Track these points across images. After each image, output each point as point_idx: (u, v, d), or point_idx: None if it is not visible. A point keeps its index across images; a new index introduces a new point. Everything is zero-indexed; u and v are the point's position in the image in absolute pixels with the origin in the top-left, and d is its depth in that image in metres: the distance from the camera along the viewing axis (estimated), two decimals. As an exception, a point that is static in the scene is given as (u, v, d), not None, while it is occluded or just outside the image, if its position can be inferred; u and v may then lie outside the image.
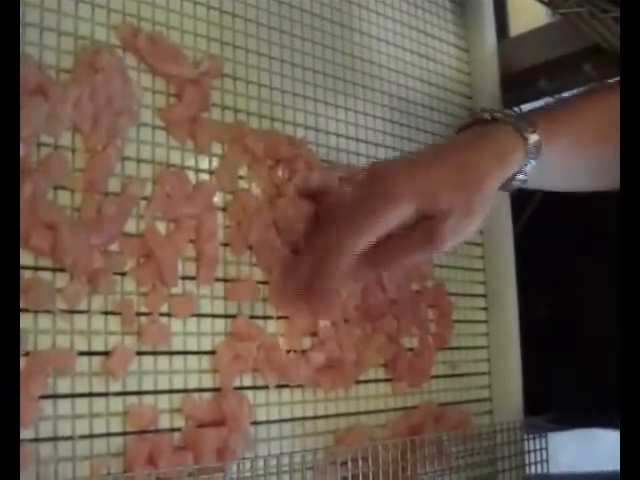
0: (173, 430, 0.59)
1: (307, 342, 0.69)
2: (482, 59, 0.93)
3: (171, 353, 0.60)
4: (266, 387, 0.66)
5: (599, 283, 0.93)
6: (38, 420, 0.52)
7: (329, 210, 0.68)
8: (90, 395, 0.55)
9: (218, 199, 0.64)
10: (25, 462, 0.50)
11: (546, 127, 0.68)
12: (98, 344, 0.56)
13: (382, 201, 0.62)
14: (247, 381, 0.65)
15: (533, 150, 0.66)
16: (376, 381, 0.75)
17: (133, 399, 0.58)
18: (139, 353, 0.58)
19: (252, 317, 0.66)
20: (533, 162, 0.67)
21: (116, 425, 0.56)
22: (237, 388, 0.64)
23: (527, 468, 0.82)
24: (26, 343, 0.52)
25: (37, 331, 0.53)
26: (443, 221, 0.63)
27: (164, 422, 0.59)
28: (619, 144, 0.64)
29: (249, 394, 0.64)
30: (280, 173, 0.69)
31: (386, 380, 0.76)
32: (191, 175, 0.64)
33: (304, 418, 0.69)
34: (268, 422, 0.66)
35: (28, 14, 0.55)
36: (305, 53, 0.75)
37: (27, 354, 0.52)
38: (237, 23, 0.70)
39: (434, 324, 0.82)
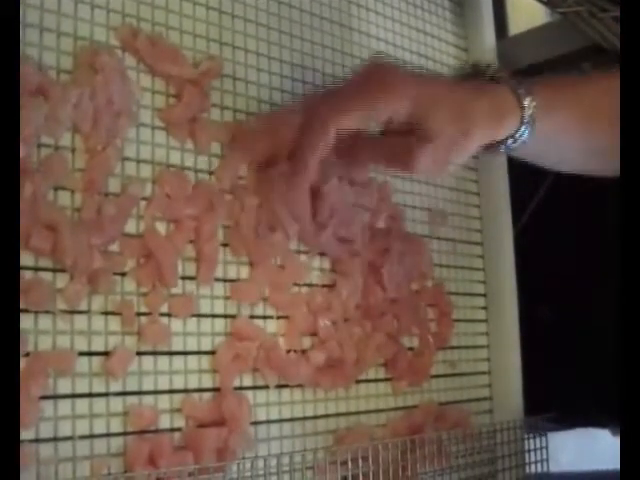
0: (173, 430, 0.59)
1: (307, 342, 0.69)
2: (481, 58, 0.93)
3: (171, 353, 0.60)
4: (266, 387, 0.66)
5: (599, 282, 0.93)
6: (38, 421, 0.52)
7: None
8: (90, 395, 0.55)
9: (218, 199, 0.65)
10: (25, 462, 0.50)
11: (544, 98, 0.68)
12: (98, 344, 0.56)
13: (380, 88, 0.62)
14: (247, 381, 0.65)
15: (528, 119, 0.66)
16: (376, 380, 0.76)
17: (133, 399, 0.58)
18: (139, 353, 0.58)
19: (252, 317, 0.66)
20: (526, 130, 0.67)
21: (116, 425, 0.57)
22: (237, 388, 0.64)
23: (527, 467, 0.82)
24: (26, 344, 0.52)
25: (37, 331, 0.53)
26: (424, 142, 0.62)
27: (164, 422, 0.59)
28: (615, 128, 0.65)
29: (249, 394, 0.64)
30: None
31: (386, 379, 0.77)
32: (191, 175, 0.64)
33: (304, 418, 0.69)
34: (268, 422, 0.66)
35: (28, 15, 0.55)
36: (304, 53, 0.75)
37: (27, 355, 0.52)
38: (236, 23, 0.70)
39: (434, 323, 0.82)
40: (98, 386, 0.56)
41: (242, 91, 0.69)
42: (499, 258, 0.90)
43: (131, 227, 0.59)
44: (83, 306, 0.56)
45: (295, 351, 0.68)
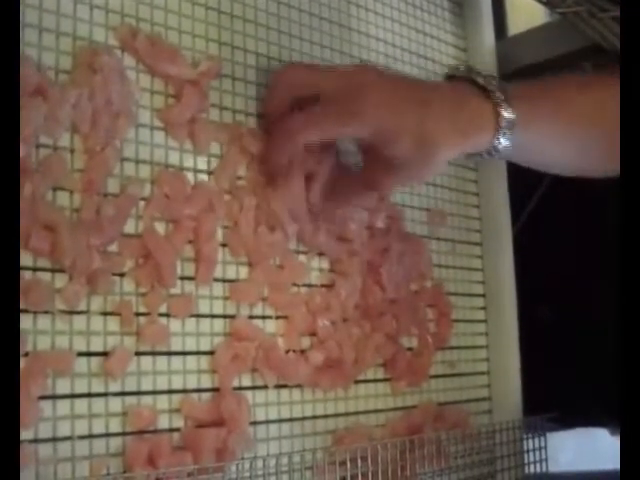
0: (172, 430, 0.59)
1: (306, 342, 0.69)
2: (480, 59, 0.93)
3: (170, 353, 0.60)
4: (265, 387, 0.66)
5: (598, 282, 0.93)
6: (37, 421, 0.52)
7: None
8: (89, 395, 0.55)
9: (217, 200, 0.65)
10: (25, 463, 0.50)
11: (525, 108, 0.68)
12: (97, 345, 0.56)
13: (349, 109, 0.63)
14: (246, 381, 0.65)
15: (505, 130, 0.67)
16: (375, 381, 0.76)
17: (132, 399, 0.58)
18: (138, 353, 0.58)
19: (251, 317, 0.66)
20: (505, 140, 0.68)
21: (115, 425, 0.56)
22: (236, 388, 0.64)
23: (526, 467, 0.82)
24: (25, 344, 0.52)
25: (36, 332, 0.53)
26: (389, 167, 0.65)
27: (163, 422, 0.59)
28: (601, 131, 0.66)
29: (248, 394, 0.64)
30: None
31: (385, 380, 0.77)
32: (190, 176, 0.64)
33: (303, 418, 0.69)
34: (267, 422, 0.66)
35: (27, 15, 0.55)
36: (303, 53, 0.75)
37: (26, 355, 0.52)
38: (235, 23, 0.70)
39: (433, 324, 0.83)
40: (97, 386, 0.56)
41: (241, 91, 0.69)
42: (498, 258, 0.90)
43: (130, 227, 0.59)
44: (82, 306, 0.56)
45: (294, 351, 0.68)
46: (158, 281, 0.60)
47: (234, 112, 0.68)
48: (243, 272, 0.66)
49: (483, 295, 0.90)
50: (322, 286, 0.72)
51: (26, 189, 0.52)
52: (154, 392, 0.59)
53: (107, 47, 0.60)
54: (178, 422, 0.60)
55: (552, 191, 0.98)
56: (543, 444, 0.83)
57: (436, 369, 0.82)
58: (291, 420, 0.68)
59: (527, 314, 0.90)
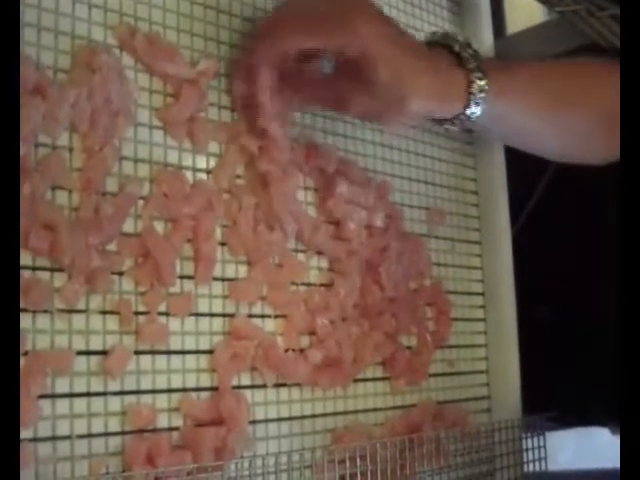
0: (171, 429, 0.60)
1: (305, 341, 0.69)
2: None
3: (169, 352, 0.60)
4: (264, 386, 0.66)
5: (598, 281, 0.93)
6: (37, 420, 0.52)
7: None
8: (88, 395, 0.56)
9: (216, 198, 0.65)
10: (24, 462, 0.50)
11: (499, 80, 0.69)
12: (96, 344, 0.56)
13: (342, 20, 0.63)
14: (245, 380, 0.65)
15: (478, 100, 0.68)
16: (374, 379, 0.76)
17: (131, 398, 0.58)
18: (137, 352, 0.58)
19: (250, 316, 0.66)
20: (476, 108, 0.68)
21: (114, 424, 0.57)
22: (235, 387, 0.64)
23: (525, 466, 0.82)
24: (25, 343, 0.52)
25: (35, 331, 0.53)
26: (362, 91, 0.65)
27: (162, 421, 0.59)
28: (580, 113, 0.66)
29: (247, 393, 0.64)
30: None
31: (384, 378, 0.77)
32: (188, 175, 0.64)
33: (302, 417, 0.69)
34: (266, 421, 0.66)
35: (26, 14, 0.55)
36: (302, 52, 0.75)
37: (26, 354, 0.52)
38: (234, 22, 0.70)
39: (432, 322, 0.83)
40: (96, 385, 0.56)
41: (240, 90, 0.69)
42: (497, 257, 0.90)
43: (129, 226, 0.59)
44: (81, 305, 0.56)
45: (293, 350, 0.68)
46: (157, 280, 0.60)
47: (233, 111, 0.68)
48: (242, 271, 0.66)
49: (482, 294, 0.90)
50: (321, 285, 0.72)
51: (25, 188, 0.52)
52: (153, 391, 0.59)
53: (106, 46, 0.60)
54: (177, 421, 0.60)
55: (551, 190, 0.98)
56: (542, 443, 0.83)
57: (435, 368, 0.82)
58: (290, 419, 0.68)
59: (526, 313, 0.90)
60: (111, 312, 0.57)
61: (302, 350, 0.69)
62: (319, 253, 0.72)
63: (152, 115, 0.62)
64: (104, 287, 0.57)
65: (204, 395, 0.62)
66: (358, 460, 0.66)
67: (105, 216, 0.57)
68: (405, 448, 0.70)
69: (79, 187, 0.57)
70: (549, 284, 0.96)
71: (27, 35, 0.55)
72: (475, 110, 0.68)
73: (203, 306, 0.63)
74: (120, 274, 0.58)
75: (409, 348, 0.79)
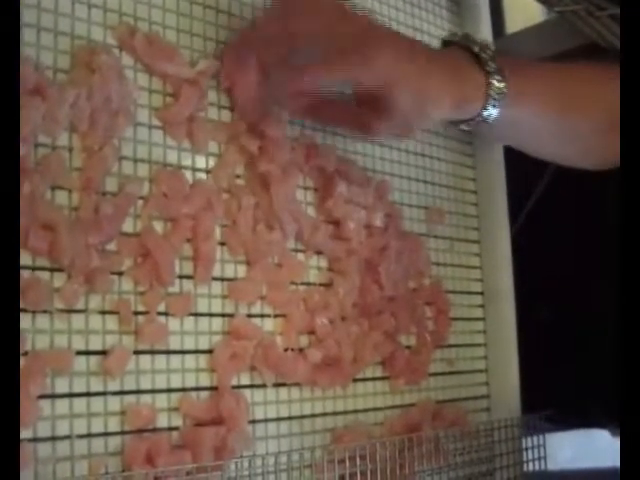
0: (171, 429, 0.60)
1: (304, 340, 0.69)
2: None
3: (169, 352, 0.60)
4: (264, 385, 0.66)
5: (597, 281, 0.93)
6: (36, 420, 0.52)
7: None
8: (88, 394, 0.56)
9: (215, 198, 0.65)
10: (24, 462, 0.50)
11: (517, 82, 0.69)
12: (96, 343, 0.56)
13: (357, 57, 0.63)
14: (245, 380, 0.65)
15: (494, 103, 0.68)
16: (374, 379, 0.76)
17: (131, 398, 0.58)
18: (137, 352, 0.59)
19: (249, 316, 0.66)
20: (494, 110, 0.69)
21: (114, 424, 0.57)
22: (235, 387, 0.64)
23: (525, 465, 0.82)
24: (24, 343, 0.52)
25: (35, 331, 0.53)
26: (383, 114, 0.66)
27: (162, 421, 0.59)
28: (592, 118, 0.66)
29: (247, 393, 0.64)
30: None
31: (383, 378, 0.77)
32: (188, 174, 0.64)
33: (302, 416, 0.69)
34: (266, 420, 0.66)
35: (25, 14, 0.55)
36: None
37: (25, 354, 0.52)
38: (233, 22, 0.70)
39: (431, 322, 0.83)
40: (96, 385, 0.56)
41: (239, 90, 0.69)
42: (496, 256, 0.90)
43: (128, 226, 0.59)
44: (80, 305, 0.56)
45: (292, 350, 0.68)
46: (157, 280, 0.60)
47: (232, 111, 0.68)
48: (241, 271, 0.66)
49: (481, 293, 0.90)
50: (320, 285, 0.72)
51: (25, 188, 0.52)
52: (153, 391, 0.59)
53: (105, 46, 0.60)
54: (177, 421, 0.60)
55: (551, 190, 0.98)
56: (542, 442, 0.83)
57: (434, 367, 0.82)
58: (290, 418, 0.68)
59: (525, 312, 0.90)
60: (110, 312, 0.57)
61: (301, 350, 0.69)
62: (318, 253, 0.72)
63: (152, 115, 0.62)
64: (103, 287, 0.57)
65: (203, 395, 0.62)
66: (358, 460, 0.66)
67: (104, 216, 0.57)
68: (404, 447, 0.70)
69: (79, 187, 0.57)
70: (548, 283, 0.96)
71: (27, 35, 0.55)
72: (492, 112, 0.69)
73: (202, 306, 0.63)
74: (119, 274, 0.58)
75: (408, 347, 0.79)
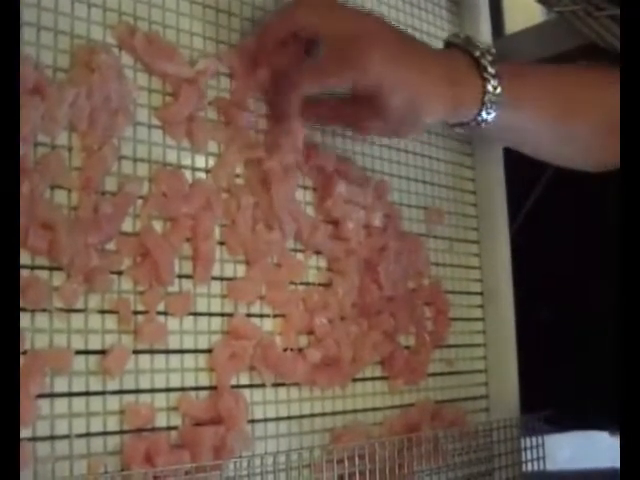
0: (170, 428, 0.60)
1: (303, 340, 0.69)
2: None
3: (168, 352, 0.60)
4: (263, 385, 0.66)
5: (597, 281, 0.93)
6: (35, 419, 0.52)
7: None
8: (87, 394, 0.56)
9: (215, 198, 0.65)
10: (23, 461, 0.50)
11: (514, 85, 0.70)
12: (95, 343, 0.56)
13: (351, 65, 0.64)
14: (244, 379, 0.65)
15: (490, 105, 0.69)
16: (373, 379, 0.76)
17: (130, 398, 0.58)
18: (136, 352, 0.59)
19: (248, 315, 0.66)
20: (489, 115, 0.69)
21: (113, 424, 0.57)
22: (234, 386, 0.64)
23: (523, 465, 0.82)
24: (23, 342, 0.52)
25: (34, 330, 0.53)
26: (377, 114, 0.67)
27: (161, 420, 0.59)
28: (591, 121, 0.66)
29: (246, 392, 0.64)
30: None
31: (383, 378, 0.77)
32: (187, 174, 0.64)
33: (301, 416, 0.69)
34: (265, 420, 0.66)
35: (25, 13, 0.55)
36: (301, 52, 0.75)
37: (24, 353, 0.52)
38: (233, 22, 0.70)
39: (431, 322, 0.83)
40: (95, 384, 0.56)
41: (239, 90, 0.69)
42: (495, 256, 0.90)
43: (128, 226, 0.59)
44: (80, 304, 0.56)
45: (292, 349, 0.68)
46: (156, 279, 0.60)
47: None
48: (241, 270, 0.66)
49: (480, 293, 0.90)
50: (320, 284, 0.72)
51: (24, 187, 0.52)
52: (152, 390, 0.59)
53: (105, 45, 0.60)
54: (176, 420, 0.60)
55: (550, 190, 0.98)
56: (540, 442, 0.83)
57: (434, 367, 0.82)
58: (289, 418, 0.68)
59: (525, 312, 0.90)
60: (110, 311, 0.57)
61: (301, 349, 0.69)
62: (318, 252, 0.72)
63: (151, 114, 0.62)
64: (103, 286, 0.57)
65: (203, 394, 0.62)
66: (357, 459, 0.66)
67: (104, 215, 0.57)
68: (403, 447, 0.70)
69: (78, 186, 0.57)
70: (548, 283, 0.96)
71: (26, 34, 0.55)
72: (487, 116, 0.69)
73: (202, 305, 0.63)
74: (119, 273, 0.58)
75: (407, 347, 0.79)
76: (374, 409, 0.75)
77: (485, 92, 0.68)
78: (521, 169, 0.84)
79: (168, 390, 0.60)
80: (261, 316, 0.67)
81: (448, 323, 0.84)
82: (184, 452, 0.59)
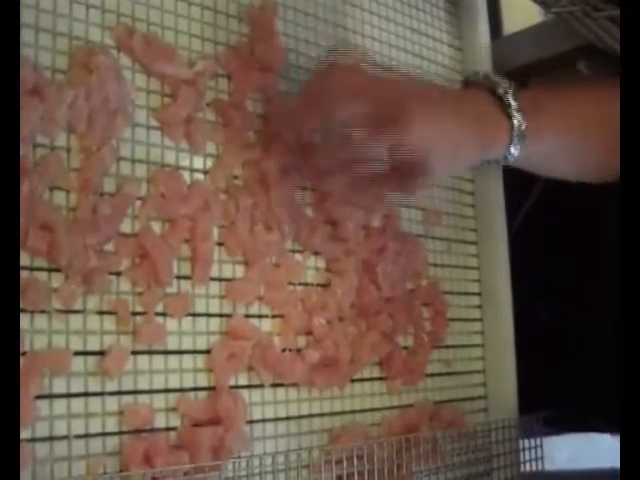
0: (169, 429, 0.60)
1: (302, 341, 0.69)
2: (476, 58, 0.93)
3: (166, 352, 0.61)
4: (261, 386, 0.66)
5: (596, 281, 0.93)
6: (34, 420, 0.52)
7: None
8: (86, 395, 0.56)
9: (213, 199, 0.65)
10: (22, 462, 0.50)
11: (537, 119, 0.70)
12: (93, 344, 0.56)
13: (397, 142, 0.64)
14: (242, 380, 0.65)
15: (517, 140, 0.69)
16: (371, 379, 0.76)
17: (129, 398, 0.58)
18: (134, 352, 0.59)
19: (247, 316, 0.66)
20: (516, 150, 0.69)
21: (112, 424, 0.57)
22: (232, 387, 0.64)
23: (522, 466, 0.82)
24: (22, 343, 0.52)
25: (33, 331, 0.53)
26: (417, 173, 0.67)
27: (160, 421, 0.59)
28: (608, 137, 0.67)
29: (244, 393, 0.64)
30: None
31: (381, 378, 0.77)
32: (186, 175, 0.64)
33: (299, 417, 0.69)
34: (263, 421, 0.66)
35: (24, 15, 0.55)
36: (299, 52, 0.75)
37: (23, 354, 0.52)
38: (231, 23, 0.70)
39: (429, 322, 0.83)
40: (93, 385, 0.56)
41: (237, 91, 0.69)
42: (494, 257, 0.90)
43: (126, 227, 0.59)
44: (78, 306, 0.56)
45: (290, 350, 0.68)
46: (154, 280, 0.60)
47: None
48: (239, 271, 0.66)
49: (479, 294, 0.90)
50: (318, 285, 0.72)
51: (23, 188, 0.52)
52: (151, 391, 0.59)
53: (103, 47, 0.60)
54: (175, 421, 0.60)
55: (549, 190, 0.98)
56: (539, 443, 0.83)
57: (432, 368, 0.82)
58: (287, 419, 0.68)
59: (523, 313, 0.90)
60: (108, 312, 0.57)
61: (299, 350, 0.69)
62: (316, 253, 0.72)
63: (149, 115, 0.62)
64: (101, 287, 0.57)
65: (201, 395, 0.62)
66: (355, 460, 0.66)
67: (102, 216, 0.57)
68: (402, 448, 0.70)
69: (77, 187, 0.57)
70: (546, 284, 0.96)
71: (25, 36, 0.55)
72: (514, 152, 0.70)
73: (200, 306, 0.63)
74: (117, 274, 0.58)
75: (406, 348, 0.79)
76: (372, 410, 0.75)
77: (512, 129, 0.68)
78: (520, 169, 0.84)
79: (167, 391, 0.60)
80: (260, 317, 0.67)
81: (446, 324, 0.84)
82: (183, 453, 0.59)
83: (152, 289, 0.60)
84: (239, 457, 0.61)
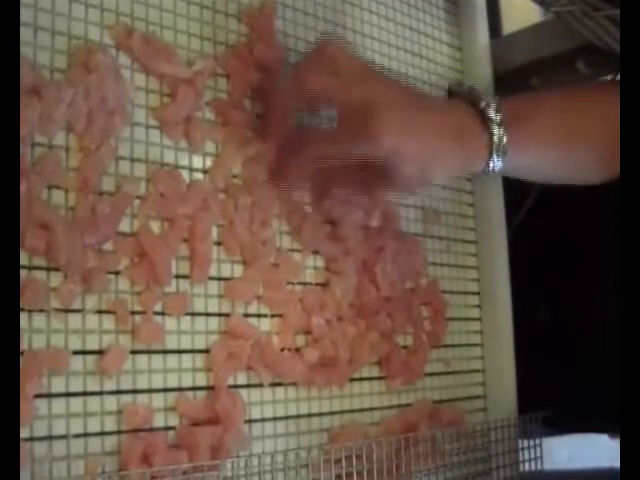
0: (167, 429, 0.60)
1: (301, 340, 0.69)
2: (475, 57, 0.93)
3: (165, 352, 0.60)
4: (260, 385, 0.66)
5: (596, 282, 0.93)
6: (33, 419, 0.52)
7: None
8: (84, 394, 0.56)
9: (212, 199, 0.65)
10: (21, 461, 0.50)
11: (519, 131, 0.70)
12: (92, 343, 0.56)
13: (364, 137, 0.63)
14: (241, 379, 0.65)
15: (499, 154, 0.69)
16: (370, 379, 0.76)
17: (127, 398, 0.58)
18: (133, 352, 0.59)
19: (246, 315, 0.66)
20: (498, 163, 0.69)
21: (110, 424, 0.57)
22: (231, 386, 0.64)
23: (521, 465, 0.82)
24: (21, 342, 0.52)
25: (31, 330, 0.53)
26: (390, 179, 0.67)
27: (158, 421, 0.59)
28: (595, 140, 0.67)
29: (243, 392, 0.64)
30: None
31: (380, 378, 0.77)
32: (185, 174, 0.64)
33: (298, 416, 0.69)
34: (262, 420, 0.66)
35: (22, 14, 0.55)
36: (298, 52, 0.75)
37: (22, 353, 0.52)
38: (230, 22, 0.70)
39: (428, 322, 0.83)
40: (92, 385, 0.56)
41: (236, 90, 0.69)
42: (493, 256, 0.90)
43: (125, 226, 0.59)
44: (77, 305, 0.56)
45: (289, 349, 0.68)
46: (153, 279, 0.60)
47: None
48: (238, 270, 0.66)
49: (478, 293, 0.90)
50: (317, 284, 0.72)
51: (22, 188, 0.52)
52: (149, 390, 0.59)
53: (102, 46, 0.60)
54: (173, 420, 0.60)
55: (548, 189, 0.98)
56: (538, 442, 0.83)
57: (431, 367, 0.82)
58: (286, 418, 0.68)
59: (522, 312, 0.90)
60: (107, 311, 0.57)
61: (298, 349, 0.69)
62: (315, 252, 0.72)
63: (148, 115, 0.62)
64: (100, 287, 0.57)
65: (200, 394, 0.62)
66: (354, 459, 0.66)
67: (101, 216, 0.57)
68: (401, 447, 0.70)
69: (75, 187, 0.57)
70: (546, 283, 0.96)
71: (24, 35, 0.55)
72: (495, 165, 0.69)
73: (199, 305, 0.63)
74: (116, 274, 0.58)
75: (405, 347, 0.79)
76: (371, 409, 0.75)
77: (492, 144, 0.68)
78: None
79: (165, 390, 0.60)
80: (258, 316, 0.67)
81: (445, 323, 0.84)
82: (181, 452, 0.59)
83: (151, 288, 0.60)
84: (238, 456, 0.62)
